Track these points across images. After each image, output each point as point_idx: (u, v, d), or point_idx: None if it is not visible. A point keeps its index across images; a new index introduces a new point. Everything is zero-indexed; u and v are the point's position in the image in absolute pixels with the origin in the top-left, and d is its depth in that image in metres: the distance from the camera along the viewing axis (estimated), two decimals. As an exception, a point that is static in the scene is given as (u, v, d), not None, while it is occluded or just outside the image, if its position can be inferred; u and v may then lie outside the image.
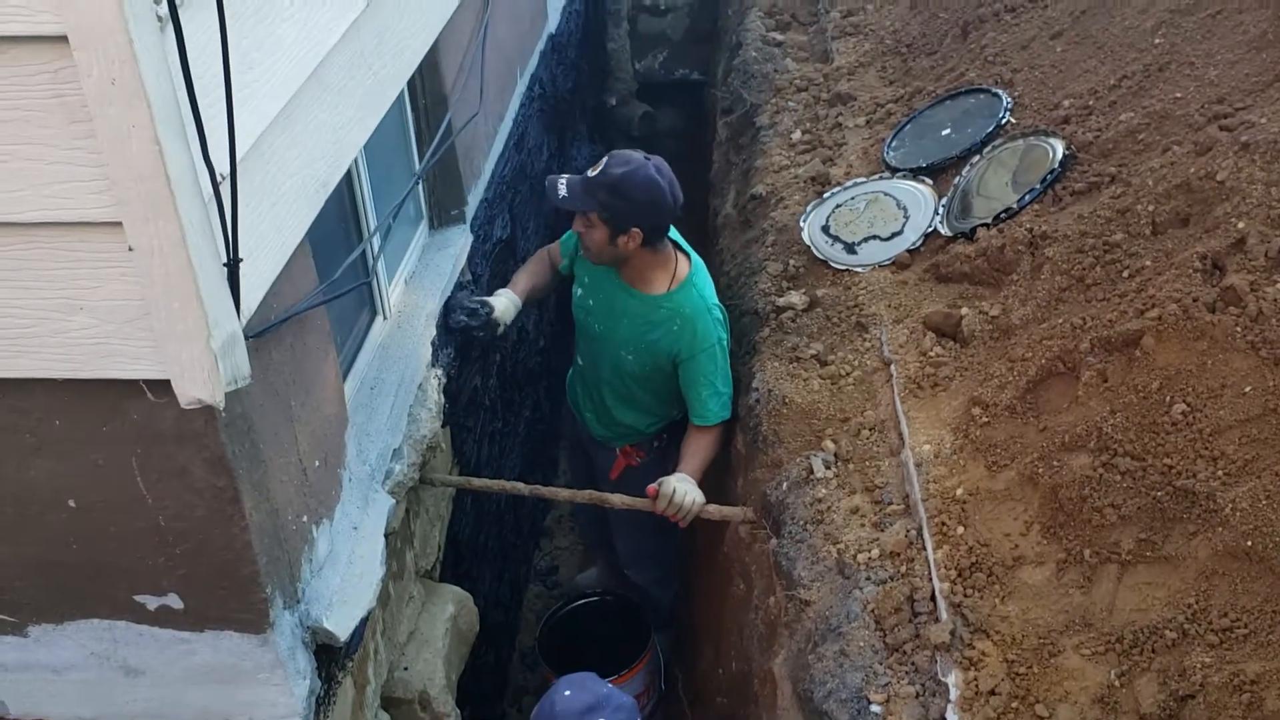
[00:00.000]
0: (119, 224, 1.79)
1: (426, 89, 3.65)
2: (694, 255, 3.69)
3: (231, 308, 1.94)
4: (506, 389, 4.59)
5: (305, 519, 2.50)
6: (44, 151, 1.76)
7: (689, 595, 4.53)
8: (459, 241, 3.87)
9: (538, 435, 5.26)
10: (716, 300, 3.64)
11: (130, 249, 1.80)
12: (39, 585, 2.34)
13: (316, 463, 2.57)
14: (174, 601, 2.33)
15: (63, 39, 1.63)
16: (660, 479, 3.40)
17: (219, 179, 1.85)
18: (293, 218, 2.29)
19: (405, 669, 3.19)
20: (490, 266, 4.31)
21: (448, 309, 3.62)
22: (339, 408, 2.76)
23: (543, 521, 5.54)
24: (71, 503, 2.20)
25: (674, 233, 3.64)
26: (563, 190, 3.43)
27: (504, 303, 3.71)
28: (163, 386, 1.99)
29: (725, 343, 3.60)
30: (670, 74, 7.93)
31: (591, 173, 3.44)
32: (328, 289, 2.58)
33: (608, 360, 3.76)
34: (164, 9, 1.69)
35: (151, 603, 2.34)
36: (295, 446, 2.45)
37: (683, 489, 3.35)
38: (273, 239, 2.19)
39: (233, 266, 1.93)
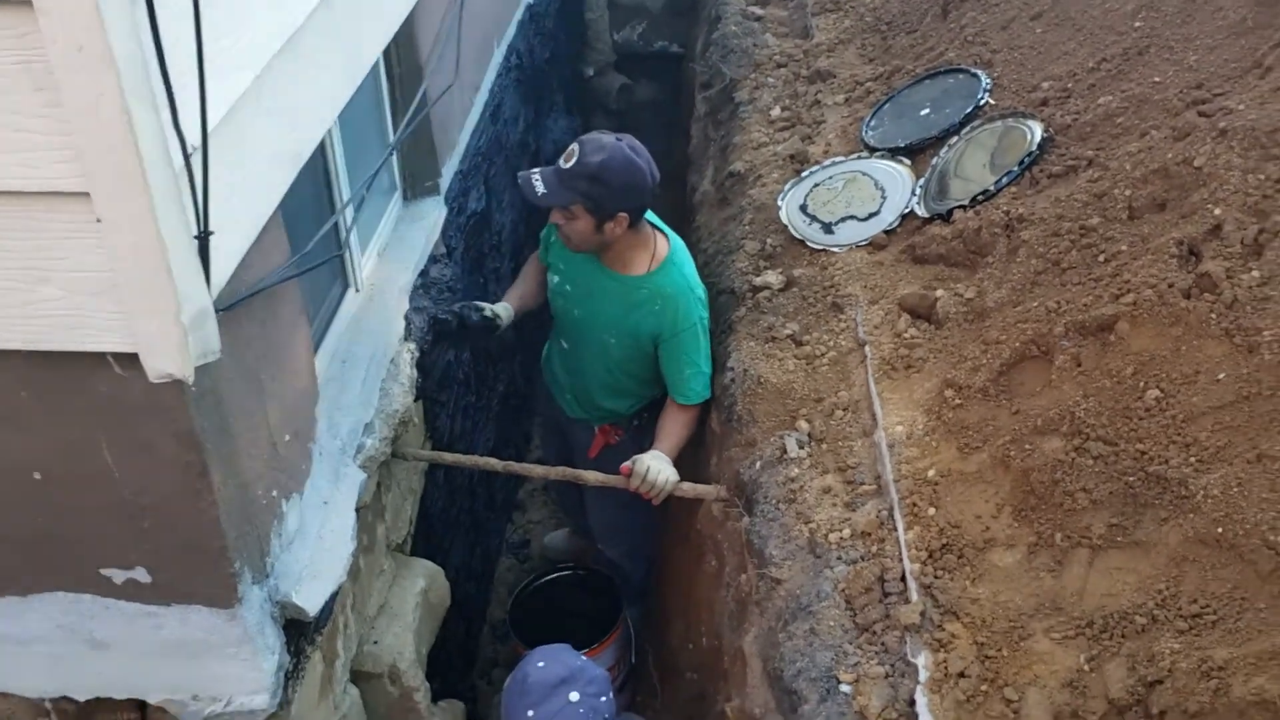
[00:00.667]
0: (87, 194, 1.75)
1: (402, 59, 3.60)
2: (672, 235, 3.67)
3: (202, 281, 1.91)
4: (480, 363, 4.57)
5: (275, 493, 2.48)
6: (9, 119, 1.72)
7: (659, 571, 4.53)
8: (433, 214, 3.84)
9: (511, 410, 5.24)
10: (698, 279, 3.62)
11: (98, 220, 1.77)
12: (3, 558, 2.31)
13: (287, 437, 2.55)
14: (141, 575, 2.31)
15: (27, 3, 1.59)
16: (634, 457, 3.39)
17: (190, 150, 1.82)
18: (265, 190, 2.26)
19: (375, 643, 3.18)
20: (464, 239, 4.27)
21: (445, 326, 3.60)
22: (310, 381, 2.73)
23: (515, 495, 5.53)
24: (37, 475, 2.17)
25: (651, 214, 3.61)
26: (540, 187, 3.35)
27: (499, 311, 3.71)
28: (131, 360, 1.96)
29: (706, 322, 3.59)
30: (649, 46, 7.87)
31: (565, 164, 3.35)
32: (300, 262, 2.55)
33: (591, 346, 3.72)
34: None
35: (118, 576, 2.31)
36: (265, 421, 2.42)
37: (656, 467, 3.34)
38: (244, 211, 2.16)
39: (203, 239, 1.90)
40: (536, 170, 3.39)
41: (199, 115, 1.80)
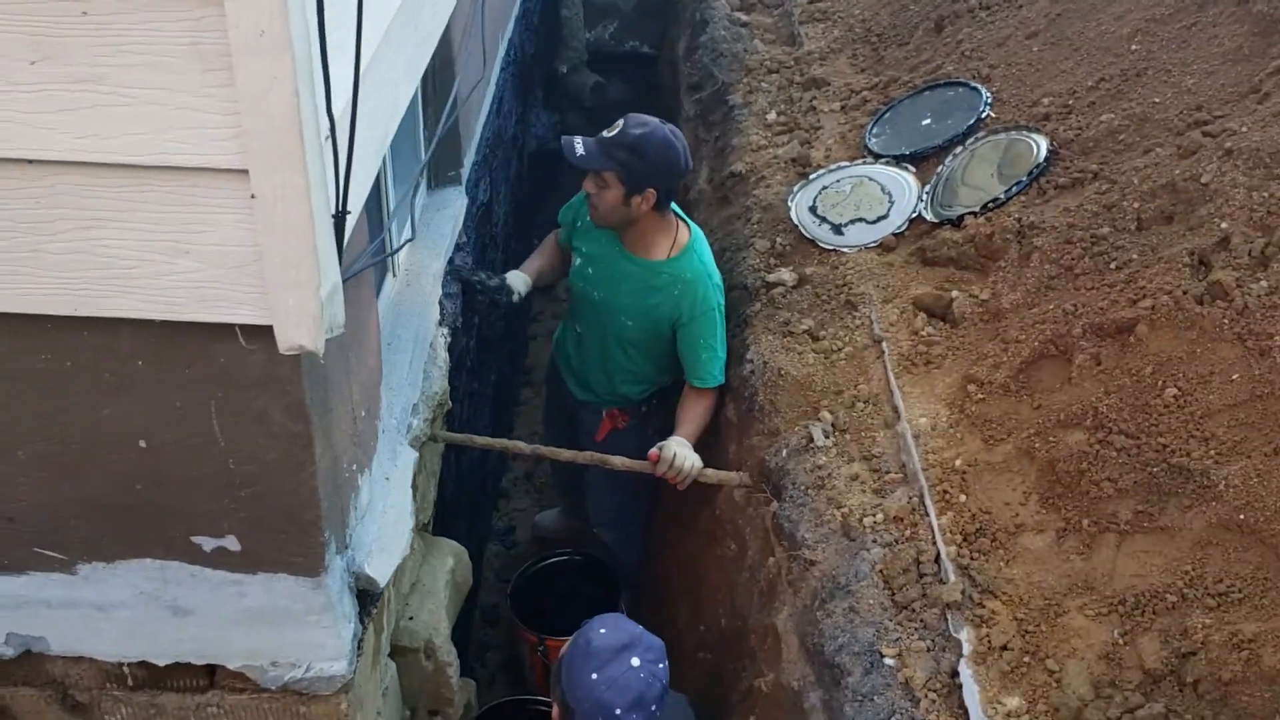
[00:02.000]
0: (244, 172, 1.83)
1: (436, 52, 3.68)
2: (693, 225, 3.82)
3: (336, 258, 2.00)
4: (481, 352, 4.66)
5: (355, 467, 2.57)
6: (172, 97, 1.79)
7: (656, 556, 4.65)
8: (456, 202, 3.93)
9: (501, 398, 5.33)
10: (715, 267, 3.78)
11: (253, 196, 1.85)
12: (95, 524, 2.36)
13: (363, 413, 2.63)
14: (231, 544, 2.37)
15: (214, -12, 1.67)
16: (660, 443, 3.52)
17: (334, 130, 1.91)
18: (367, 169, 2.35)
19: (410, 619, 3.25)
20: (476, 229, 4.36)
21: (460, 272, 3.70)
22: (378, 361, 2.82)
23: (500, 483, 5.62)
24: (142, 443, 2.23)
25: (675, 205, 3.75)
26: (579, 149, 3.51)
27: (515, 280, 3.82)
28: (256, 332, 2.04)
29: (723, 307, 3.75)
30: (620, 45, 7.99)
31: (608, 134, 3.54)
32: (379, 248, 2.64)
33: (610, 329, 3.85)
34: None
35: (208, 544, 2.38)
36: (350, 396, 2.51)
37: (683, 453, 3.48)
38: (355, 190, 2.24)
39: (340, 217, 1.99)
40: (579, 136, 3.57)
41: (351, 95, 1.90)
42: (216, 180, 1.86)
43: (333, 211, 1.97)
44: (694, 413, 3.72)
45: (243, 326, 2.05)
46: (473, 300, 3.91)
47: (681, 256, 3.71)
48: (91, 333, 2.08)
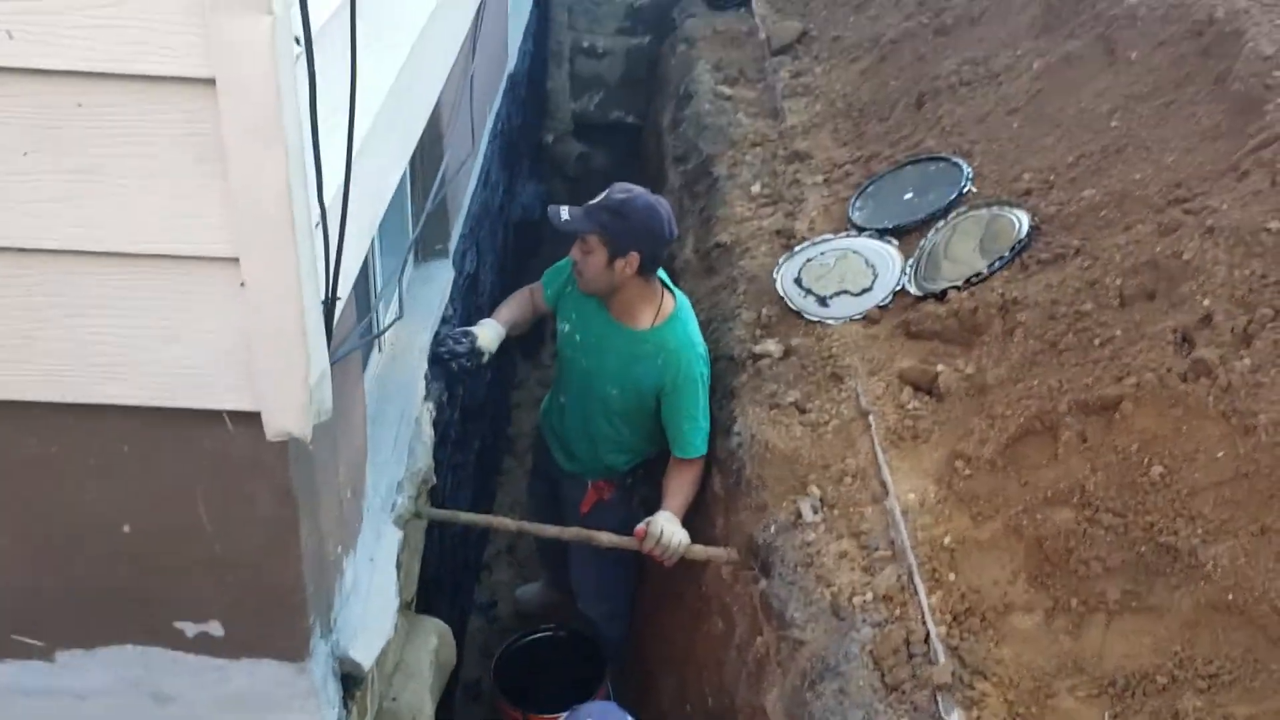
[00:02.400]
0: (234, 260, 1.83)
1: (426, 128, 3.71)
2: (680, 294, 3.84)
3: (324, 344, 2.00)
4: (465, 421, 4.65)
5: (340, 549, 2.54)
6: (165, 186, 1.80)
7: (640, 632, 4.61)
8: (443, 276, 3.94)
9: (482, 469, 5.31)
10: (700, 337, 3.79)
11: (243, 284, 1.85)
12: (76, 610, 2.33)
13: (348, 493, 2.62)
14: (215, 629, 2.34)
15: (209, 82, 1.68)
16: (648, 519, 3.51)
17: (324, 219, 1.92)
18: (356, 253, 2.35)
19: (394, 700, 3.21)
20: (462, 300, 4.37)
21: (433, 340, 3.69)
22: (364, 440, 2.80)
23: (482, 556, 5.57)
24: (126, 528, 2.21)
25: (662, 273, 3.78)
26: (564, 215, 3.57)
27: (487, 332, 3.79)
28: (243, 417, 2.03)
29: (707, 378, 3.75)
30: (605, 116, 8.10)
31: (593, 201, 3.60)
32: (365, 329, 2.64)
33: (595, 397, 3.86)
34: (299, 47, 1.75)
35: (191, 630, 2.35)
36: (336, 477, 2.49)
37: (670, 529, 3.47)
38: (344, 275, 2.24)
39: (329, 303, 1.99)
40: (565, 205, 3.63)
41: (343, 183, 1.91)
42: (207, 268, 1.86)
43: (322, 298, 1.98)
44: (679, 484, 3.71)
45: (230, 413, 2.04)
46: (446, 369, 3.89)
47: (665, 326, 3.73)
48: (78, 418, 2.06)
